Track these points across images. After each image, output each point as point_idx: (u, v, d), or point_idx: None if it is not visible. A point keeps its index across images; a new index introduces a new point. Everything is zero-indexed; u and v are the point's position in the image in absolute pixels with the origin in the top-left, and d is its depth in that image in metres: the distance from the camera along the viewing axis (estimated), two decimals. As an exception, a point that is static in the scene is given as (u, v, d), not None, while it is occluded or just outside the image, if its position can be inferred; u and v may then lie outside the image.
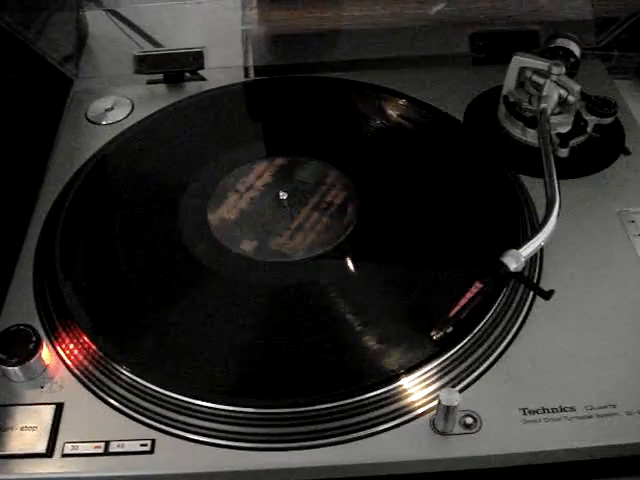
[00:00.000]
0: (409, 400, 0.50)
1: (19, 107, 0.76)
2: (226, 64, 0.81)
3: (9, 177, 0.70)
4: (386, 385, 0.50)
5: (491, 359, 0.52)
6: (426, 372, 0.51)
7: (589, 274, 0.57)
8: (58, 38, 0.81)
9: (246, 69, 0.83)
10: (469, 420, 0.49)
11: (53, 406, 0.51)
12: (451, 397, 0.47)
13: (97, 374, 0.52)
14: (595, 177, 0.64)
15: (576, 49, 0.67)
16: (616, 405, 0.49)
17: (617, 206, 0.62)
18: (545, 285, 0.55)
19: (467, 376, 0.51)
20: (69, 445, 0.49)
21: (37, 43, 0.76)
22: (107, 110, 0.74)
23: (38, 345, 0.52)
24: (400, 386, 0.50)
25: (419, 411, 0.50)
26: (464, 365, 0.51)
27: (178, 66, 0.76)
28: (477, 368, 0.51)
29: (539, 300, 0.54)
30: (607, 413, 0.49)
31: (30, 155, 0.74)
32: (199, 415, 0.50)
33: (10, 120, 0.73)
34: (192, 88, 0.76)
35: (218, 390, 0.51)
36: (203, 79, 0.79)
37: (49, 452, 0.49)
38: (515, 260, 0.53)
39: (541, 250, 0.57)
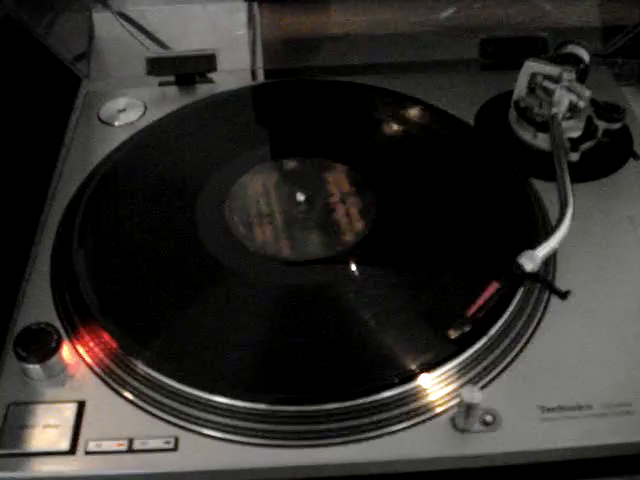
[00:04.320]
0: (429, 399, 0.51)
1: (29, 103, 0.76)
2: (233, 67, 0.81)
3: (19, 173, 0.70)
4: (406, 384, 0.51)
5: (509, 358, 0.53)
6: (446, 371, 0.52)
7: (602, 275, 0.58)
8: (68, 37, 0.81)
9: (254, 72, 0.84)
10: (488, 418, 0.50)
11: (75, 404, 0.51)
12: (473, 395, 0.47)
13: (118, 371, 0.53)
14: (605, 181, 0.65)
15: (586, 56, 0.68)
16: (632, 403, 0.50)
17: (627, 209, 0.63)
18: (560, 286, 0.56)
19: (486, 375, 0.52)
20: (92, 443, 0.49)
21: (48, 40, 0.76)
22: (119, 111, 0.74)
23: (59, 343, 0.52)
24: (420, 385, 0.51)
25: (439, 409, 0.50)
26: (483, 364, 0.52)
27: (190, 68, 0.77)
28: (495, 367, 0.52)
29: (555, 300, 0.56)
30: (623, 411, 0.50)
31: (39, 152, 0.74)
32: (221, 412, 0.50)
33: (19, 115, 0.73)
34: (204, 90, 0.77)
35: (239, 387, 0.51)
36: (212, 82, 0.79)
37: (72, 450, 0.49)
38: (531, 261, 0.54)
39: (555, 252, 0.58)
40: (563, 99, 0.65)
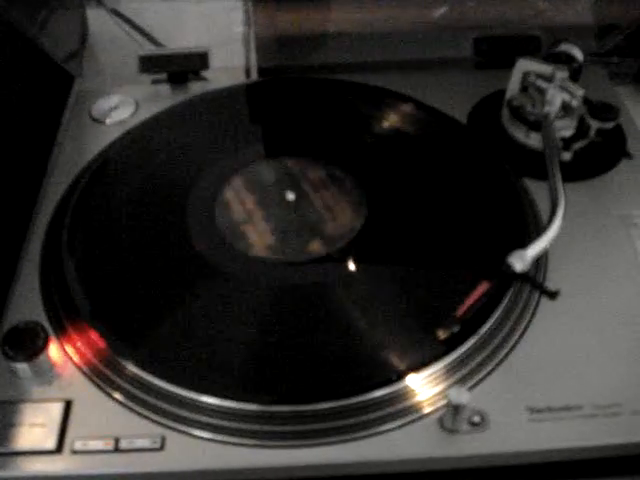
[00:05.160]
0: (417, 399, 0.51)
1: (21, 102, 0.76)
2: (226, 65, 0.81)
3: (11, 172, 0.70)
4: (394, 384, 0.51)
5: (498, 358, 0.52)
6: (434, 371, 0.51)
7: (593, 275, 0.58)
8: (61, 36, 0.81)
9: (247, 70, 0.84)
10: (476, 418, 0.49)
11: (62, 403, 0.51)
12: (460, 396, 0.47)
13: (105, 371, 0.52)
14: (597, 180, 0.65)
15: (579, 54, 0.67)
16: (621, 404, 0.50)
17: (619, 209, 0.62)
18: (550, 286, 0.56)
19: (474, 375, 0.52)
20: (79, 442, 0.49)
21: (40, 39, 0.76)
22: (111, 109, 0.74)
23: (46, 342, 0.52)
24: (408, 385, 0.51)
25: (427, 410, 0.50)
26: (471, 364, 0.52)
27: (183, 66, 0.76)
28: (484, 367, 0.52)
29: (545, 300, 0.55)
30: (613, 412, 0.50)
31: (32, 150, 0.74)
32: (208, 412, 0.50)
33: (11, 115, 0.73)
34: (196, 88, 0.76)
35: (227, 387, 0.51)
36: (205, 79, 0.79)
37: (58, 449, 0.49)
38: (521, 260, 0.54)
39: (545, 252, 0.57)
40: (556, 98, 0.64)
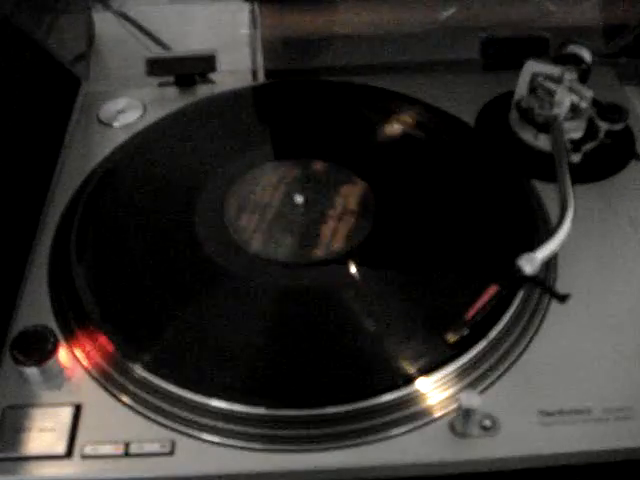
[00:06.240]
0: (428, 403, 0.50)
1: (28, 105, 0.76)
2: (233, 67, 0.81)
3: (18, 175, 0.70)
4: (404, 388, 0.51)
5: (508, 362, 0.52)
6: (444, 375, 0.51)
7: (603, 278, 0.58)
8: (68, 39, 0.81)
9: (254, 72, 0.84)
10: (487, 422, 0.49)
11: (71, 407, 0.51)
12: (471, 399, 0.47)
13: (115, 375, 0.52)
14: (607, 182, 0.65)
15: (588, 56, 0.67)
16: (632, 408, 0.50)
17: (629, 211, 0.62)
18: (560, 289, 0.55)
19: (485, 379, 0.51)
20: (89, 446, 0.49)
21: (47, 42, 0.76)
22: (119, 112, 0.74)
23: (55, 346, 0.52)
24: (418, 389, 0.51)
25: (438, 414, 0.50)
26: (482, 368, 0.52)
27: (190, 69, 0.76)
28: (494, 371, 0.52)
29: (555, 303, 0.55)
30: (624, 416, 0.50)
31: (38, 154, 0.74)
32: (218, 416, 0.50)
33: (19, 118, 0.73)
34: (203, 91, 0.76)
35: (236, 391, 0.51)
36: (212, 82, 0.79)
37: (68, 453, 0.49)
38: (530, 263, 0.54)
39: (555, 255, 0.57)
40: (564, 100, 0.64)
